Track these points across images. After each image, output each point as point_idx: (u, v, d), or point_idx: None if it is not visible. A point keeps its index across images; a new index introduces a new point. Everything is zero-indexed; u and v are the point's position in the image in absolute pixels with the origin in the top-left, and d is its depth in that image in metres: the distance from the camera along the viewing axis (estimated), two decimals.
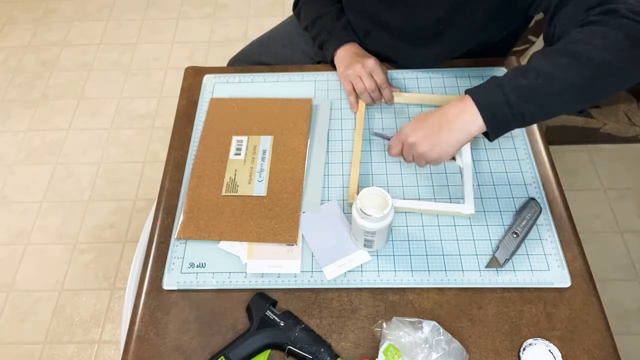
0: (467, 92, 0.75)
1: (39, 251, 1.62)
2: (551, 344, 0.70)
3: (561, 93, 0.70)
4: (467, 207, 0.82)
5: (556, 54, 0.71)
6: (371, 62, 0.95)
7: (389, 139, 0.86)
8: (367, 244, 0.77)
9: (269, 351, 0.71)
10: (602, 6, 0.71)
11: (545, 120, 0.78)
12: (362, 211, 0.72)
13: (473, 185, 0.85)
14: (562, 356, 0.69)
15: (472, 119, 0.73)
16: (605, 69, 0.69)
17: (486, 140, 0.93)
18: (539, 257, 0.78)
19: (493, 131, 0.74)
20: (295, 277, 0.78)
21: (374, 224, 0.72)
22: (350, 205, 0.84)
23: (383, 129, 0.95)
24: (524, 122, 0.74)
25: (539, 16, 0.96)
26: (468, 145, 0.88)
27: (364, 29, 1.02)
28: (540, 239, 0.80)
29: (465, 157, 0.87)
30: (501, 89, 0.71)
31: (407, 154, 0.80)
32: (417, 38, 0.97)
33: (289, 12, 1.19)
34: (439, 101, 0.97)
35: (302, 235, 0.82)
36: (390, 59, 1.03)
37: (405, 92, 0.99)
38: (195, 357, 0.72)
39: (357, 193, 0.84)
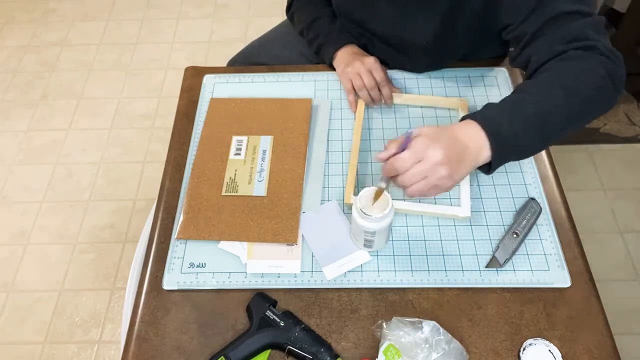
0: (469, 117, 0.72)
1: (39, 251, 1.62)
2: (551, 344, 0.70)
3: (557, 125, 0.72)
4: (463, 210, 0.82)
5: (549, 86, 0.73)
6: (371, 60, 0.95)
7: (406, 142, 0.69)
8: (367, 244, 0.77)
9: (269, 351, 0.71)
10: (580, 42, 0.75)
11: (533, 155, 0.80)
12: (362, 211, 0.71)
13: (471, 186, 0.85)
14: (562, 356, 0.69)
15: (482, 148, 0.70)
16: (591, 103, 0.73)
17: None
18: (539, 257, 0.78)
19: (496, 161, 0.71)
20: (295, 277, 0.78)
21: (373, 224, 0.72)
22: (347, 206, 0.84)
23: (383, 129, 0.95)
24: (521, 155, 0.76)
25: None
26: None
27: (356, 33, 1.02)
28: (540, 239, 0.80)
29: None
30: (506, 118, 0.71)
31: (419, 173, 0.67)
32: (406, 48, 0.98)
33: None
34: (439, 102, 0.97)
35: (302, 235, 0.82)
36: (383, 61, 1.03)
37: (405, 92, 0.99)
38: (195, 357, 0.72)
39: (354, 193, 0.84)
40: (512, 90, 0.98)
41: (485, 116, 0.72)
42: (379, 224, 0.72)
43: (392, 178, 0.70)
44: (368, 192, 0.73)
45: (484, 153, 0.70)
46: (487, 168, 0.73)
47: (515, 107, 0.72)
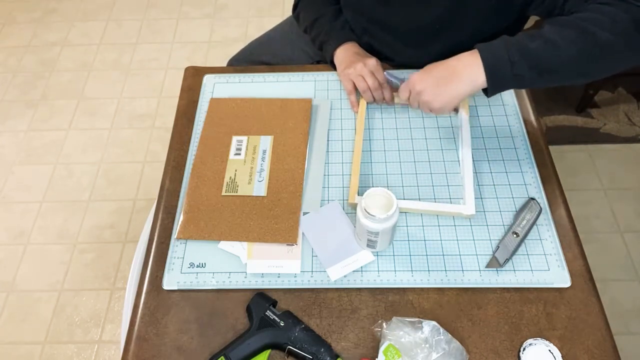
0: (476, 46, 0.79)
1: (39, 251, 1.62)
2: (551, 344, 0.70)
3: (562, 64, 0.75)
4: (468, 208, 0.82)
5: (566, 26, 0.75)
6: (373, 62, 0.95)
7: (399, 84, 0.91)
8: (371, 244, 0.77)
9: (269, 351, 0.71)
10: None
11: (540, 87, 0.81)
12: (366, 211, 0.71)
13: (473, 186, 0.85)
14: (562, 356, 0.69)
15: (477, 72, 0.77)
16: (608, 49, 0.73)
17: (486, 140, 0.94)
18: (539, 257, 0.78)
19: (492, 87, 0.78)
20: (295, 277, 0.78)
21: (377, 225, 0.72)
22: (351, 206, 0.84)
23: (383, 129, 0.95)
24: (521, 84, 0.79)
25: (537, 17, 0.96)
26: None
27: (361, 27, 1.02)
28: (540, 239, 0.80)
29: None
30: (508, 48, 0.75)
31: (413, 101, 0.86)
32: (414, 38, 0.97)
33: (288, 12, 1.19)
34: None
35: (305, 236, 0.82)
36: (387, 58, 1.03)
37: None
38: (195, 357, 0.72)
39: (358, 193, 0.84)
40: (511, 90, 0.99)
41: (489, 45, 0.78)
42: (382, 224, 0.72)
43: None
44: (373, 192, 0.73)
45: (479, 78, 0.77)
46: (487, 91, 0.80)
47: (521, 39, 0.76)
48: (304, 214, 0.84)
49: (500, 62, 0.75)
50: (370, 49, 1.02)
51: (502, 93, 0.98)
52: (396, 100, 0.97)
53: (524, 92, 0.99)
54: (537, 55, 0.74)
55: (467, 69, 0.78)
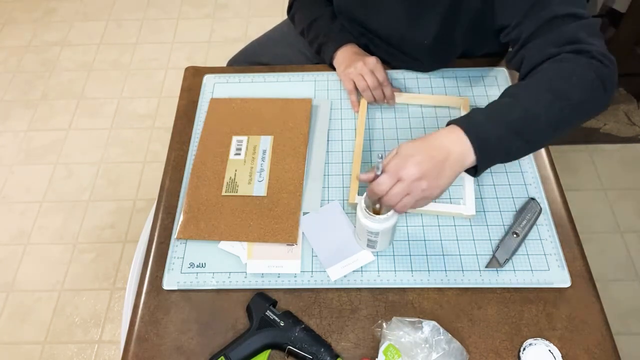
0: (455, 123, 0.71)
1: (39, 251, 1.62)
2: (551, 344, 0.70)
3: (545, 129, 0.72)
4: (468, 209, 0.82)
5: (540, 90, 0.72)
6: (372, 60, 0.95)
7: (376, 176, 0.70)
8: (370, 244, 0.77)
9: (269, 351, 0.71)
10: (572, 45, 0.75)
11: (522, 157, 0.77)
12: (366, 211, 0.71)
13: (473, 186, 0.85)
14: (562, 356, 0.69)
15: (467, 153, 0.69)
16: (581, 107, 0.73)
17: None
18: (539, 257, 0.78)
19: (482, 165, 0.71)
20: (295, 277, 0.78)
21: (377, 225, 0.72)
22: (351, 205, 0.84)
23: (383, 129, 0.95)
24: (507, 158, 0.75)
25: None
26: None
27: (357, 32, 1.02)
28: (540, 239, 0.80)
29: None
30: (492, 124, 0.70)
31: (399, 193, 0.68)
32: (408, 48, 0.98)
33: None
34: (441, 101, 0.97)
35: (305, 236, 0.82)
36: (385, 61, 1.03)
37: (406, 92, 0.99)
38: (195, 357, 0.72)
39: (358, 193, 0.84)
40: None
41: (469, 121, 0.71)
42: (382, 224, 0.72)
43: (378, 200, 0.71)
44: None
45: (469, 157, 0.70)
46: (474, 171, 0.73)
47: (501, 111, 0.72)
48: (304, 214, 0.84)
49: (490, 140, 0.70)
50: (368, 52, 1.02)
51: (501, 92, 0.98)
52: (397, 99, 0.97)
53: None
54: (521, 125, 0.70)
55: (457, 149, 0.69)
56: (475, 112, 0.73)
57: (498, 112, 0.72)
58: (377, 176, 0.69)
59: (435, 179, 0.68)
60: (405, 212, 0.79)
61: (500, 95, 0.76)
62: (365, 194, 0.73)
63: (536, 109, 0.71)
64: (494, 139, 0.70)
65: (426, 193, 0.68)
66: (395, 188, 0.68)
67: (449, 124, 0.73)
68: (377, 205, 0.73)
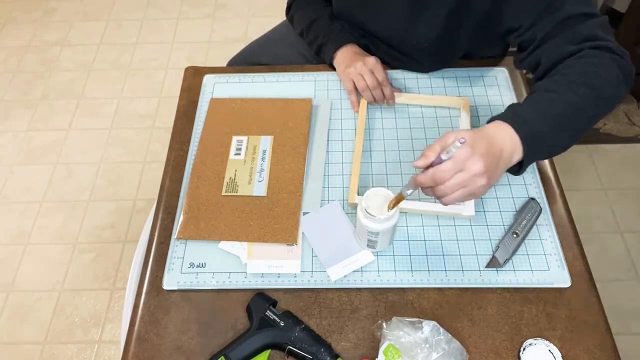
0: (499, 119, 0.70)
1: (39, 251, 1.62)
2: (551, 344, 0.70)
3: (586, 123, 0.73)
4: (467, 209, 0.82)
5: (577, 84, 0.72)
6: (372, 60, 0.95)
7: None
8: (371, 244, 0.77)
9: (269, 351, 0.71)
10: (592, 42, 0.76)
11: (558, 154, 0.76)
12: (366, 211, 0.71)
13: None
14: (562, 356, 0.69)
15: (515, 150, 0.69)
16: (610, 100, 0.74)
17: None
18: (539, 257, 0.78)
19: (527, 163, 0.71)
20: (295, 277, 0.78)
21: (377, 225, 0.72)
22: (351, 205, 0.84)
23: (383, 129, 0.95)
24: (548, 154, 0.75)
25: None
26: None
27: (356, 34, 1.02)
28: (540, 239, 0.80)
29: None
30: (538, 118, 0.70)
31: (459, 183, 0.65)
32: (408, 50, 0.98)
33: None
34: (441, 101, 0.97)
35: (305, 236, 0.82)
36: (385, 62, 1.03)
37: (406, 92, 0.99)
38: (195, 357, 0.72)
39: (358, 193, 0.84)
40: (512, 89, 0.99)
41: (517, 117, 0.70)
42: (383, 224, 0.72)
43: (427, 187, 0.67)
44: (374, 192, 0.73)
45: (517, 155, 0.69)
46: (516, 169, 0.72)
47: (545, 106, 0.71)
48: (304, 214, 0.84)
49: (538, 136, 0.69)
50: (368, 52, 1.02)
51: (503, 94, 0.98)
52: (396, 100, 0.97)
53: (524, 91, 0.99)
54: (566, 119, 0.71)
55: (508, 146, 0.68)
56: (518, 107, 0.72)
57: (543, 108, 0.71)
58: (439, 161, 0.65)
59: (491, 177, 0.66)
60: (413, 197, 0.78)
61: (537, 92, 0.75)
62: (366, 194, 0.73)
63: (578, 103, 0.71)
64: (540, 135, 0.70)
65: (479, 190, 0.65)
66: (456, 178, 0.64)
67: (491, 120, 0.72)
68: (410, 191, 0.68)
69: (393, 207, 0.70)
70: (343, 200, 0.86)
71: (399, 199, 0.70)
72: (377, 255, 0.79)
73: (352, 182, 0.86)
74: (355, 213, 0.76)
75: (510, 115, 0.71)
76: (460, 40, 0.93)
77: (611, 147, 1.77)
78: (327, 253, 0.79)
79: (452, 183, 0.64)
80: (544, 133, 0.70)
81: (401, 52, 0.99)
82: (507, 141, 0.68)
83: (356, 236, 0.80)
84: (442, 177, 0.64)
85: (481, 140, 0.66)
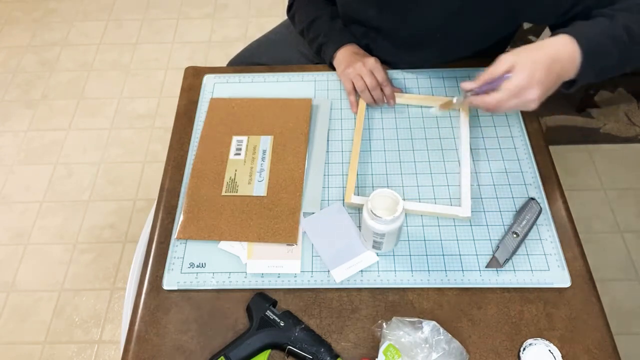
0: (570, 35, 0.71)
1: (39, 251, 1.62)
2: (551, 344, 0.70)
3: (636, 54, 0.75)
4: (464, 210, 0.81)
5: (631, 14, 0.74)
6: (372, 61, 0.95)
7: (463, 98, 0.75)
8: (376, 245, 0.77)
9: (269, 351, 0.71)
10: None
11: (604, 79, 0.77)
12: (372, 212, 0.71)
13: (472, 186, 0.85)
14: (562, 356, 0.69)
15: (572, 67, 0.71)
16: None
17: (486, 140, 0.93)
18: (539, 257, 0.78)
19: (580, 81, 0.73)
20: (295, 277, 0.78)
21: (383, 226, 0.72)
22: (348, 205, 0.84)
23: (383, 129, 0.95)
24: (598, 77, 0.75)
25: None
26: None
27: (359, 33, 1.02)
28: (540, 239, 0.80)
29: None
30: (599, 37, 0.72)
31: (512, 106, 0.71)
32: (410, 43, 0.97)
33: None
34: (439, 102, 0.97)
35: (308, 237, 0.81)
36: (385, 61, 1.03)
37: (405, 92, 0.99)
38: (195, 357, 0.72)
39: (356, 193, 0.84)
40: None
41: (583, 35, 0.72)
42: (388, 226, 0.72)
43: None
44: (380, 193, 0.73)
45: (572, 72, 0.71)
46: (567, 86, 0.74)
47: (607, 28, 0.73)
48: (305, 214, 0.84)
49: (597, 55, 0.71)
50: (369, 52, 1.02)
51: None
52: (397, 100, 0.97)
53: None
54: (622, 42, 0.72)
55: (568, 64, 0.71)
56: (583, 25, 0.74)
57: (606, 29, 0.73)
58: (488, 88, 0.71)
59: (545, 93, 0.70)
60: (412, 198, 0.83)
61: (597, 16, 0.76)
62: (372, 194, 0.72)
63: (634, 28, 0.73)
64: (600, 54, 0.71)
65: (528, 105, 0.70)
66: (509, 103, 0.70)
67: (556, 34, 0.73)
68: (461, 99, 0.75)
69: (441, 109, 0.77)
70: (343, 200, 0.85)
71: (447, 103, 0.76)
72: (377, 255, 0.79)
73: (349, 182, 0.85)
74: (356, 213, 0.76)
75: (577, 32, 0.72)
76: (473, 28, 0.91)
77: (611, 147, 1.77)
78: (331, 254, 0.79)
79: (505, 106, 0.71)
80: (604, 53, 0.71)
81: (403, 48, 0.98)
82: (569, 59, 0.70)
83: (362, 237, 0.80)
84: (500, 106, 0.71)
85: (542, 64, 0.69)
